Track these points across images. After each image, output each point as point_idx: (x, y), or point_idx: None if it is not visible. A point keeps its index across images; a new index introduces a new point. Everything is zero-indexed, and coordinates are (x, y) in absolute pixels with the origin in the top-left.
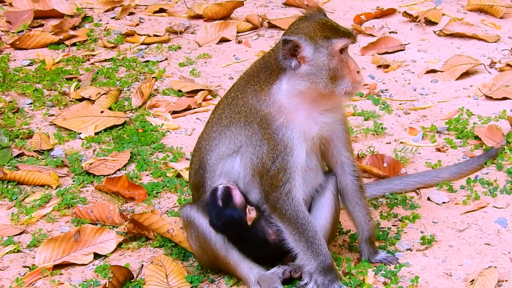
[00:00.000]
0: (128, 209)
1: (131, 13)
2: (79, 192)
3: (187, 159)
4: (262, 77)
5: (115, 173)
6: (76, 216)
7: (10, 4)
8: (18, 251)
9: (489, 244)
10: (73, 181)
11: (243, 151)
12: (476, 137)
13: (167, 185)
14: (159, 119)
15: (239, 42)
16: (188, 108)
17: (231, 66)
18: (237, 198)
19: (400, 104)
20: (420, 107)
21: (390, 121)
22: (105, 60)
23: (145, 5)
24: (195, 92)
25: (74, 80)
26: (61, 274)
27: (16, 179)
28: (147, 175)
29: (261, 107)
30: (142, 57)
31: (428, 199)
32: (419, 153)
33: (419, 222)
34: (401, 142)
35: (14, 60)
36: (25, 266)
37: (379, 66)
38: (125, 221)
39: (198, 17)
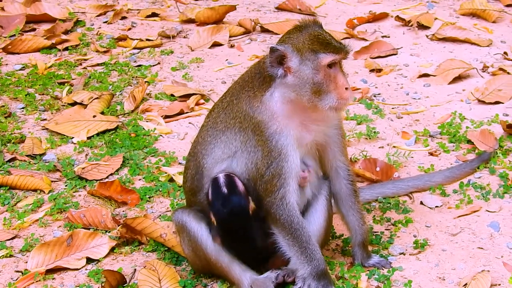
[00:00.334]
0: (121, 213)
1: (123, 18)
2: (72, 196)
3: (179, 163)
4: (256, 84)
5: (107, 177)
6: (68, 221)
7: (2, 9)
8: (11, 255)
9: (482, 248)
10: (66, 185)
11: (238, 156)
12: (469, 141)
13: (160, 189)
14: (152, 124)
15: (232, 46)
16: (181, 113)
17: (224, 71)
18: (240, 184)
19: (392, 108)
20: (412, 111)
21: (382, 125)
22: (98, 65)
23: (138, 10)
24: (187, 96)
25: (66, 84)
26: (53, 278)
27: (8, 183)
28: (139, 179)
29: (254, 114)
30: (135, 61)
31: (421, 203)
32: (412, 157)
33: (412, 226)
34: (394, 146)
35: (6, 64)
36: (17, 271)
37: (372, 70)
38: (118, 226)
39: (190, 21)
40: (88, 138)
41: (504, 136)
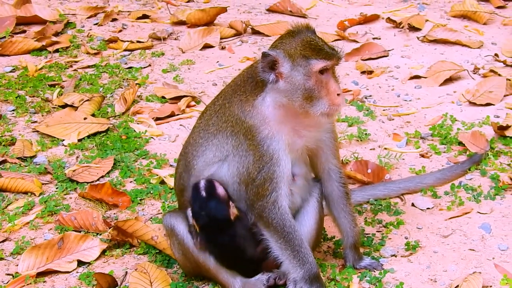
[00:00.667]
0: (112, 216)
1: (114, 19)
2: (63, 199)
3: (171, 165)
4: (248, 88)
5: (98, 180)
6: (59, 223)
7: None
8: (1, 258)
9: (473, 250)
10: (56, 188)
11: (230, 160)
12: (460, 143)
13: (151, 191)
14: (143, 126)
15: (223, 48)
16: (172, 115)
17: (215, 73)
18: (221, 189)
19: (384, 110)
20: (404, 113)
21: (374, 127)
22: (88, 67)
23: (128, 11)
24: (178, 98)
25: (57, 86)
26: (44, 281)
27: None
28: (130, 182)
29: (246, 119)
30: (125, 63)
31: (413, 205)
32: (403, 159)
33: (403, 228)
34: (385, 148)
35: None
36: (8, 274)
37: (363, 72)
38: (109, 228)
39: (181, 23)
40: (79, 140)
41: (495, 138)
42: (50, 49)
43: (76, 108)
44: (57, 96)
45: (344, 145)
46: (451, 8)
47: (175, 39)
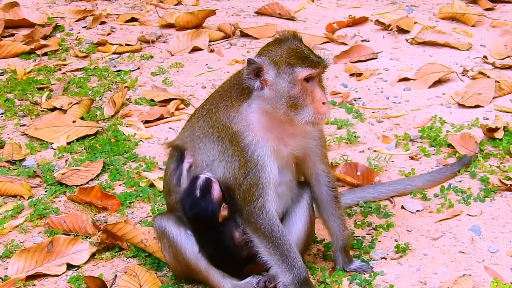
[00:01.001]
0: (101, 219)
1: (102, 22)
2: (52, 202)
3: (160, 168)
4: (233, 94)
5: (87, 183)
6: (48, 227)
7: None
8: None
9: (463, 252)
10: (46, 191)
11: (216, 165)
12: (449, 145)
13: (140, 195)
14: (132, 129)
15: (212, 51)
16: (161, 118)
17: (204, 75)
18: (216, 192)
19: (373, 112)
20: (393, 115)
21: (363, 130)
22: (77, 70)
23: (117, 14)
24: (167, 101)
25: (45, 89)
26: (34, 285)
27: None
28: (120, 185)
29: (231, 124)
30: (114, 66)
31: (402, 207)
32: (393, 161)
33: (393, 230)
34: (375, 151)
35: None
36: None
37: (352, 75)
38: (98, 232)
39: (170, 26)
40: (68, 143)
41: (484, 140)
42: (38, 52)
43: (65, 111)
44: (46, 99)
45: (333, 148)
46: (440, 10)
47: (164, 42)
